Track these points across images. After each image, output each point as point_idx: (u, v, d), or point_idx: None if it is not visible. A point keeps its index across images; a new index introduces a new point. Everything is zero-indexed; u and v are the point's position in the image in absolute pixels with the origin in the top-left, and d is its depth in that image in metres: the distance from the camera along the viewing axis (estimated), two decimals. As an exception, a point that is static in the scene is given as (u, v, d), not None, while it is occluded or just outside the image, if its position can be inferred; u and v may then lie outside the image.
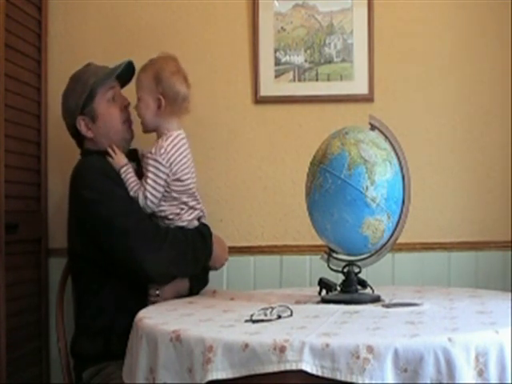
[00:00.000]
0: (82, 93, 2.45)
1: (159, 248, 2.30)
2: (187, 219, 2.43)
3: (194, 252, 2.39)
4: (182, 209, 2.43)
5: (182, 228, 2.41)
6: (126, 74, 2.52)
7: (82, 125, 2.48)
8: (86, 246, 2.37)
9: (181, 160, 2.41)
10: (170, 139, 2.40)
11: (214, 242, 2.47)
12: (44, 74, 2.86)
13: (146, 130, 2.46)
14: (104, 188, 2.35)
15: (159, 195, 2.38)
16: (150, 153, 2.38)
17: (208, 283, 2.58)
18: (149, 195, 2.36)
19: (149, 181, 2.36)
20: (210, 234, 2.46)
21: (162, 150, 2.37)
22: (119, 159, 2.42)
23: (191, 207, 2.45)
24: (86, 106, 2.45)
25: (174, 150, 2.39)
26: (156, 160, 2.36)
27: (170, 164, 2.38)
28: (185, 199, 2.43)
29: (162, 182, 2.37)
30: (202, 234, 2.43)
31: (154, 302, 2.32)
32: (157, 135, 2.44)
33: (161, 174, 2.37)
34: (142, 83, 2.41)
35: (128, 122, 2.50)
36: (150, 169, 2.37)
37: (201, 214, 2.49)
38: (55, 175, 2.86)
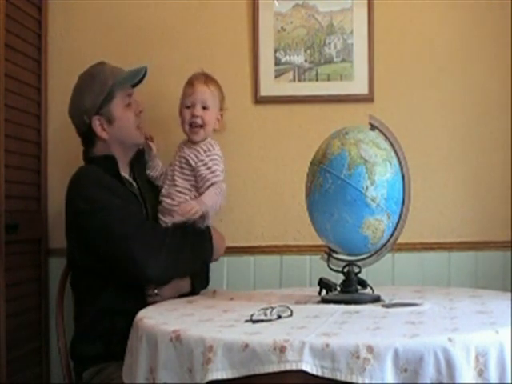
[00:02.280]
0: (100, 93, 2.45)
1: (159, 251, 2.31)
2: None
3: (193, 251, 2.40)
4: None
5: (181, 227, 2.41)
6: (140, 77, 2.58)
7: (97, 125, 2.47)
8: (86, 255, 2.37)
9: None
10: (216, 144, 2.55)
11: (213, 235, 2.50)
12: (44, 74, 2.86)
13: (201, 139, 2.51)
14: (99, 198, 2.36)
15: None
16: (209, 150, 2.50)
17: (209, 280, 2.61)
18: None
19: (219, 173, 2.47)
20: (209, 229, 2.49)
21: (218, 148, 2.53)
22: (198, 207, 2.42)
23: None
24: (103, 106, 2.45)
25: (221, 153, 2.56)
26: (217, 155, 2.51)
27: (222, 162, 2.53)
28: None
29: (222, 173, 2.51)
30: (201, 231, 2.45)
31: (153, 302, 2.32)
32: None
33: (221, 165, 2.51)
34: (213, 95, 2.55)
35: (140, 127, 2.52)
36: (215, 162, 2.49)
37: None
38: (55, 175, 2.86)
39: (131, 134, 2.50)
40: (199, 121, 2.50)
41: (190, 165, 2.49)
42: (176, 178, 2.51)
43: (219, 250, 2.56)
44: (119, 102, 2.47)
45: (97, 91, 2.45)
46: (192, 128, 2.51)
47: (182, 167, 2.51)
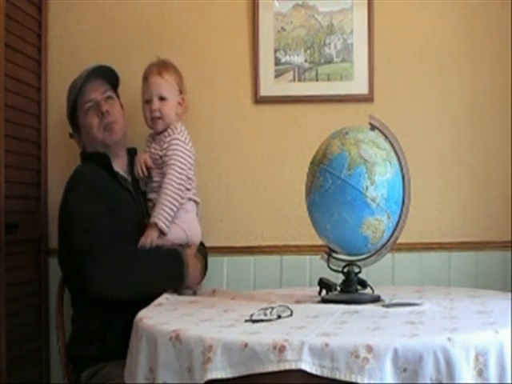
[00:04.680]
0: (68, 108, 2.55)
1: (106, 265, 2.28)
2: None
3: (156, 275, 2.35)
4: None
5: (156, 250, 2.38)
6: (109, 74, 2.56)
7: (75, 139, 2.60)
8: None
9: (191, 146, 2.52)
10: (180, 125, 2.52)
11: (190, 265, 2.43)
12: (44, 74, 2.85)
13: (164, 128, 2.51)
14: (78, 204, 2.38)
15: (185, 173, 2.46)
16: (169, 136, 2.48)
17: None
18: (177, 180, 2.43)
19: (177, 165, 2.44)
20: (185, 257, 2.41)
21: (178, 130, 2.49)
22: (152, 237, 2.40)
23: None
24: (72, 119, 2.55)
25: (186, 133, 2.52)
26: (177, 139, 2.48)
27: (187, 143, 2.50)
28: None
29: (186, 158, 2.47)
30: (177, 263, 2.39)
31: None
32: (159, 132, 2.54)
33: (183, 150, 2.47)
34: (168, 84, 2.52)
35: (110, 125, 2.51)
36: (175, 147, 2.46)
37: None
38: (55, 175, 2.86)
39: (97, 137, 2.50)
40: (158, 114, 2.50)
41: (161, 156, 2.49)
42: (153, 175, 2.52)
43: (194, 279, 2.47)
44: (80, 111, 2.51)
45: (66, 105, 2.57)
46: (152, 120, 2.52)
47: (154, 163, 2.52)
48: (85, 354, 2.36)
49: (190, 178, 2.49)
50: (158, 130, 2.53)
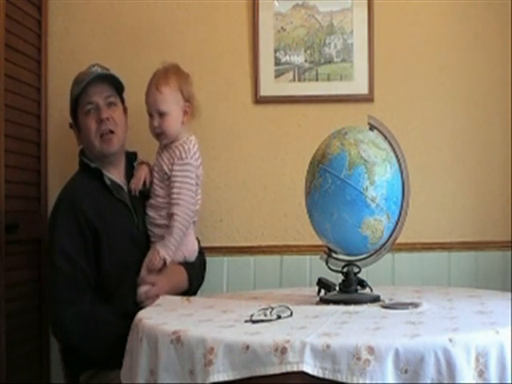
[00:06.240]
0: (71, 102, 2.49)
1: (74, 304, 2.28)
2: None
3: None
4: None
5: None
6: (115, 81, 2.50)
7: (74, 132, 2.53)
8: None
9: (200, 164, 2.48)
10: (193, 143, 2.46)
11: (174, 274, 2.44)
12: (44, 74, 2.86)
13: (170, 141, 2.46)
14: (60, 231, 2.36)
15: (194, 201, 2.44)
16: (181, 158, 2.41)
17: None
18: (188, 204, 2.40)
19: (188, 195, 2.40)
20: None
21: (191, 153, 2.43)
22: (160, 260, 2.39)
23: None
24: (73, 115, 2.49)
25: (198, 154, 2.46)
26: (190, 164, 2.42)
27: (197, 167, 2.46)
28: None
29: (194, 185, 2.43)
30: None
31: (147, 294, 2.33)
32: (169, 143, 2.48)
33: (193, 176, 2.43)
34: (167, 97, 2.42)
35: (108, 135, 2.44)
36: (186, 174, 2.41)
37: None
38: (55, 175, 2.86)
39: (92, 143, 2.44)
40: (158, 130, 2.44)
41: (166, 172, 2.44)
42: (155, 188, 2.47)
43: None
44: (82, 111, 2.46)
45: (70, 100, 2.49)
46: (156, 136, 2.48)
47: (159, 174, 2.46)
48: (81, 360, 2.35)
49: (193, 204, 2.45)
50: (163, 143, 2.46)
